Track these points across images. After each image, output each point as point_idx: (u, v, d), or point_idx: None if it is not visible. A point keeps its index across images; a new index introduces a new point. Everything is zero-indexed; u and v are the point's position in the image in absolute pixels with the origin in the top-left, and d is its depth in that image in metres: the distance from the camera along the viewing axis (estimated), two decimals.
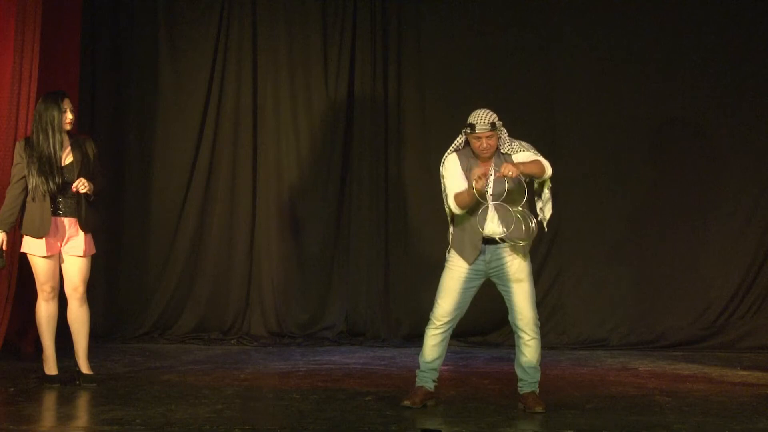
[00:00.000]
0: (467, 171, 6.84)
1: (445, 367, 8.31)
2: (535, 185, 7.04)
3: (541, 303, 9.96)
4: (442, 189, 7.00)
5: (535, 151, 6.92)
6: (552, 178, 7.02)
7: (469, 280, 6.90)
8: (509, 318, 6.96)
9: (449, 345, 8.91)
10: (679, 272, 9.89)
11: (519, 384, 6.93)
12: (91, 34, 10.14)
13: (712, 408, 6.81)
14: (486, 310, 9.78)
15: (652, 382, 7.90)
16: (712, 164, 9.89)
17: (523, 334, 6.87)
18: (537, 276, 10.01)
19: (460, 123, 7.08)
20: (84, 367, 7.51)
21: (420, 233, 10.08)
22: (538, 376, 6.92)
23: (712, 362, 8.96)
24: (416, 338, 9.97)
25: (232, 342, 10.07)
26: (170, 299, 10.21)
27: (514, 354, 6.95)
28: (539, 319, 6.97)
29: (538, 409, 6.74)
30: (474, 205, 6.76)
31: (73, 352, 7.54)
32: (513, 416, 6.56)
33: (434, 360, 6.99)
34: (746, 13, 9.91)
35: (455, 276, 6.90)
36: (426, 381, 7.00)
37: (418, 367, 7.04)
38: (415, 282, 10.06)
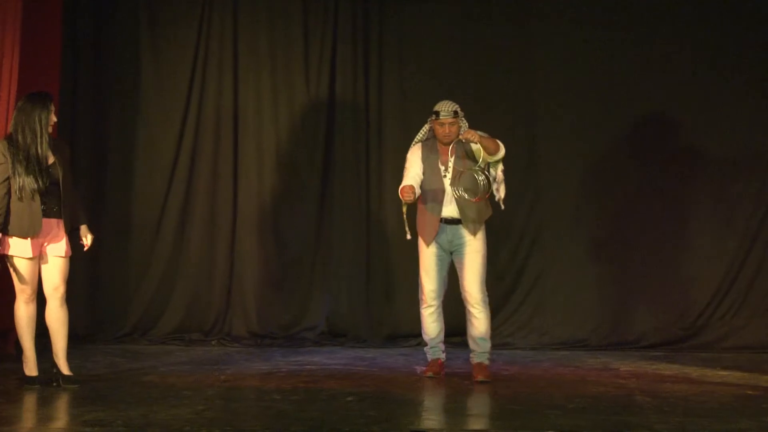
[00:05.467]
0: (425, 160, 7.87)
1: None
2: (491, 170, 7.90)
3: (522, 303, 10.07)
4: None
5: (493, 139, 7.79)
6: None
7: (440, 257, 7.88)
8: (461, 293, 7.89)
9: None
10: (659, 273, 9.91)
11: (470, 354, 7.94)
12: (71, 34, 10.12)
13: (692, 408, 6.83)
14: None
15: (633, 382, 7.91)
16: (693, 165, 9.92)
17: (471, 309, 7.85)
18: (518, 277, 10.09)
19: None
20: (64, 368, 7.48)
21: (401, 234, 10.06)
22: (487, 347, 7.90)
23: (692, 362, 8.98)
24: (398, 339, 10.03)
25: (213, 343, 10.06)
26: (151, 300, 10.19)
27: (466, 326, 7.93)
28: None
29: (481, 378, 7.73)
30: (436, 191, 7.83)
31: (52, 354, 7.52)
32: (493, 416, 6.58)
33: (438, 333, 8.00)
34: (726, 15, 9.94)
35: (429, 257, 7.89)
36: (437, 353, 8.04)
37: (426, 345, 8.10)
38: (396, 283, 10.07)
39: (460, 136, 7.74)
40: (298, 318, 10.18)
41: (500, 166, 7.94)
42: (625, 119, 10.00)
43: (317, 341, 10.06)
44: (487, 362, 7.90)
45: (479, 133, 7.72)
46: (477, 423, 6.48)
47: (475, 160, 7.80)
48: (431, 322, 7.94)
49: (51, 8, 9.43)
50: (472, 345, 7.92)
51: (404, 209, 7.96)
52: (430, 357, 8.08)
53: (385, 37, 10.26)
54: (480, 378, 7.73)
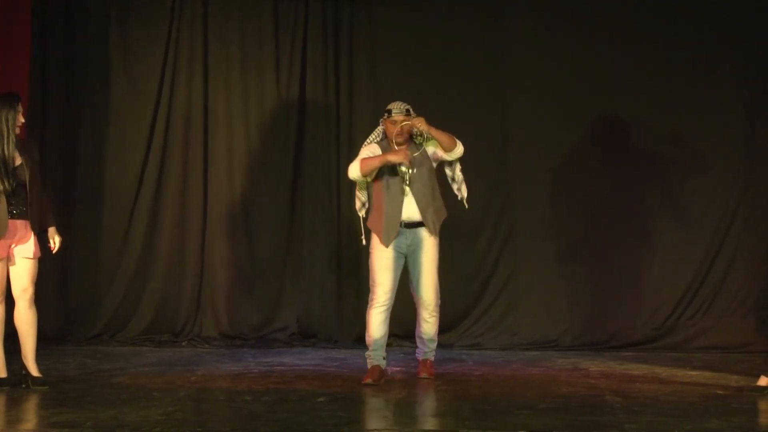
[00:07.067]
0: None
1: (397, 369, 8.35)
2: (448, 170, 7.96)
3: (493, 304, 10.08)
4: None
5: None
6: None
7: (396, 258, 7.80)
8: (414, 295, 7.92)
9: (401, 346, 9.04)
10: (629, 274, 9.94)
11: (417, 351, 8.05)
12: (41, 34, 10.07)
13: (662, 408, 6.85)
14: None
15: (603, 382, 7.94)
16: (665, 166, 9.95)
17: (423, 312, 7.87)
18: (489, 277, 10.10)
19: None
20: (33, 369, 7.45)
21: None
22: (434, 345, 8.01)
23: (662, 362, 9.01)
24: None
25: (184, 344, 10.03)
26: (121, 301, 10.16)
27: (415, 326, 7.99)
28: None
29: (424, 374, 7.93)
30: (395, 193, 7.74)
31: (20, 355, 7.48)
32: (464, 416, 6.57)
33: (382, 336, 7.82)
34: (701, 17, 9.96)
35: (384, 257, 7.78)
36: (379, 359, 7.83)
37: (367, 349, 7.86)
38: (367, 284, 10.02)
39: (410, 121, 7.72)
40: (269, 319, 10.16)
41: (458, 166, 7.92)
42: (598, 121, 10.02)
43: (288, 342, 10.05)
44: (432, 358, 8.03)
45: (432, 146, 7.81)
46: (448, 423, 6.48)
47: (429, 161, 7.83)
48: (379, 323, 7.77)
49: (20, 7, 9.37)
50: (419, 343, 8.02)
51: (361, 214, 8.09)
52: (370, 363, 7.84)
53: (356, 37, 10.25)
54: (424, 375, 7.93)
